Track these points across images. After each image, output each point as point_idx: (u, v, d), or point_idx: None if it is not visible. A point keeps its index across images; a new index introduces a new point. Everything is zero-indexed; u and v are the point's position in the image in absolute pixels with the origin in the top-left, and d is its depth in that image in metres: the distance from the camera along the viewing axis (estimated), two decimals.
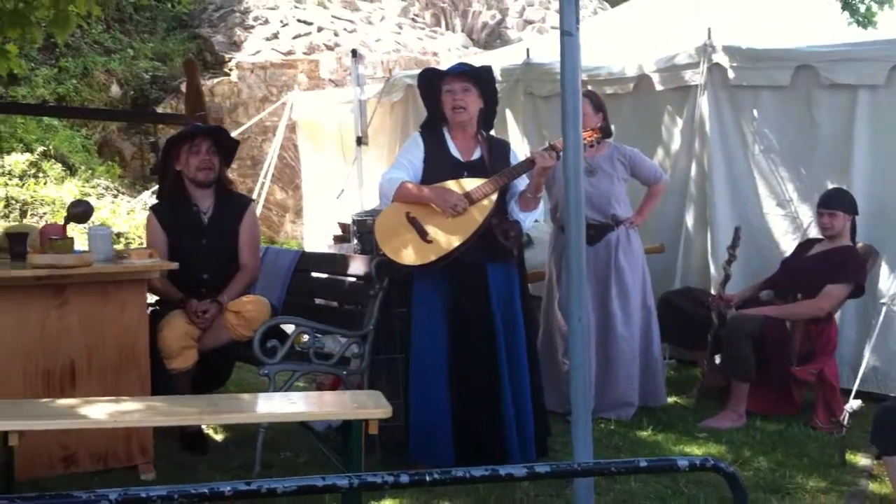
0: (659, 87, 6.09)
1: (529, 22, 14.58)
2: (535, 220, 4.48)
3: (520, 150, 6.60)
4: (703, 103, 5.75)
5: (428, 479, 2.43)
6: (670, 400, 5.20)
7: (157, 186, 10.07)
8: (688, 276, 5.85)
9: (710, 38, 5.71)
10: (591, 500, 3.15)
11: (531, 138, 6.79)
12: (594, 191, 4.90)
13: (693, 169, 5.87)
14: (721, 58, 5.68)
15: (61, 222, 4.20)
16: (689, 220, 5.91)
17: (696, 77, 5.80)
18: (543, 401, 4.38)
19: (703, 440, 4.62)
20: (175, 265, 4.24)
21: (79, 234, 4.76)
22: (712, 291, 5.29)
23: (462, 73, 4.24)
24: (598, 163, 4.98)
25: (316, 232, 9.31)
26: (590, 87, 6.26)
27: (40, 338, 3.85)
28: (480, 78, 4.28)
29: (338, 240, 7.41)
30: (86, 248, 4.12)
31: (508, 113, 6.92)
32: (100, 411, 3.15)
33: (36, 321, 3.84)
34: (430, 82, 4.28)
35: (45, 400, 3.62)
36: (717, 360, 5.16)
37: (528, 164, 4.17)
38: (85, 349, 3.93)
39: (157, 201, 4.91)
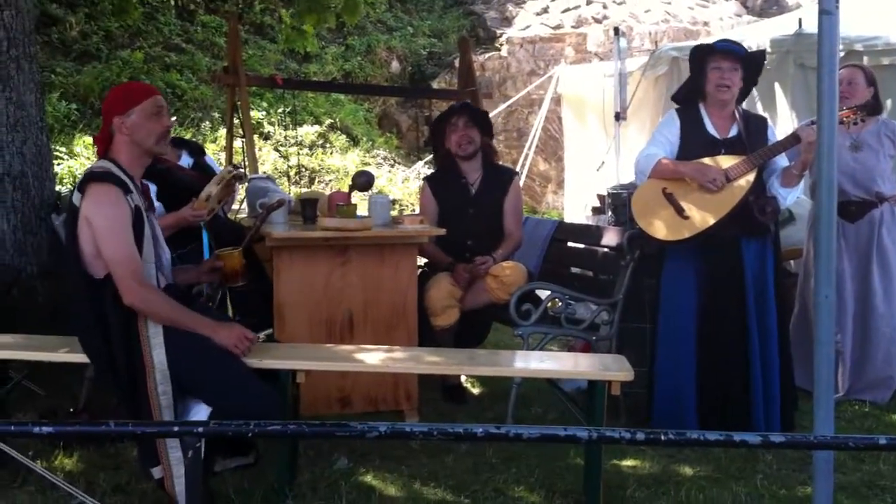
0: None
1: None
2: (797, 196, 4.45)
3: (788, 122, 6.47)
4: None
5: (663, 437, 2.61)
6: None
7: (429, 157, 10.76)
8: None
9: None
10: (829, 476, 3.17)
11: (800, 111, 6.60)
12: (859, 167, 4.77)
13: None
14: None
15: (346, 190, 4.71)
16: None
17: None
18: (793, 376, 4.37)
19: None
20: (443, 231, 4.64)
21: (360, 201, 5.28)
22: None
23: (733, 52, 4.27)
24: (864, 138, 4.83)
25: (576, 203, 9.52)
26: (865, 59, 6.03)
27: (325, 291, 4.36)
28: (751, 61, 4.31)
29: (596, 211, 7.58)
30: (366, 213, 4.61)
31: (777, 85, 6.76)
32: (374, 357, 3.58)
33: (322, 277, 4.36)
34: (703, 55, 4.33)
35: (327, 345, 4.14)
36: None
37: (793, 141, 4.14)
38: (362, 304, 4.41)
39: (431, 172, 5.35)
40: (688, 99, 4.42)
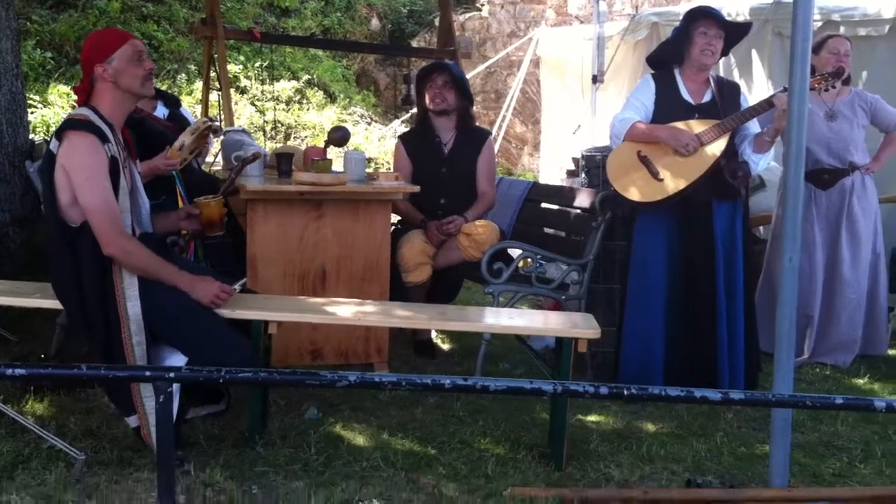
0: None
1: None
2: (769, 163, 4.51)
3: (764, 90, 6.52)
4: None
5: (626, 392, 2.68)
6: (892, 352, 5.10)
7: (406, 115, 10.74)
8: None
9: None
10: (787, 435, 3.25)
11: (777, 79, 6.64)
12: (833, 136, 4.86)
13: None
14: None
15: (321, 145, 4.72)
16: None
17: None
18: (757, 339, 4.46)
19: None
20: (417, 188, 4.67)
21: (335, 157, 5.29)
22: None
23: (720, 20, 4.31)
24: (838, 108, 4.91)
25: (551, 165, 9.55)
26: (842, 29, 6.08)
27: (299, 245, 4.39)
28: (736, 32, 4.37)
29: (571, 174, 7.61)
30: (342, 169, 4.62)
31: (755, 53, 6.80)
32: (346, 310, 3.62)
33: (296, 231, 4.38)
34: (690, 20, 4.34)
35: (300, 297, 4.17)
36: None
37: (766, 106, 4.20)
38: (336, 258, 4.44)
39: (405, 131, 5.36)
40: (662, 62, 4.46)
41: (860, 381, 4.70)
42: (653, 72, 4.48)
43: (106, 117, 3.29)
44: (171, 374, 2.49)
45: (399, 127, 10.73)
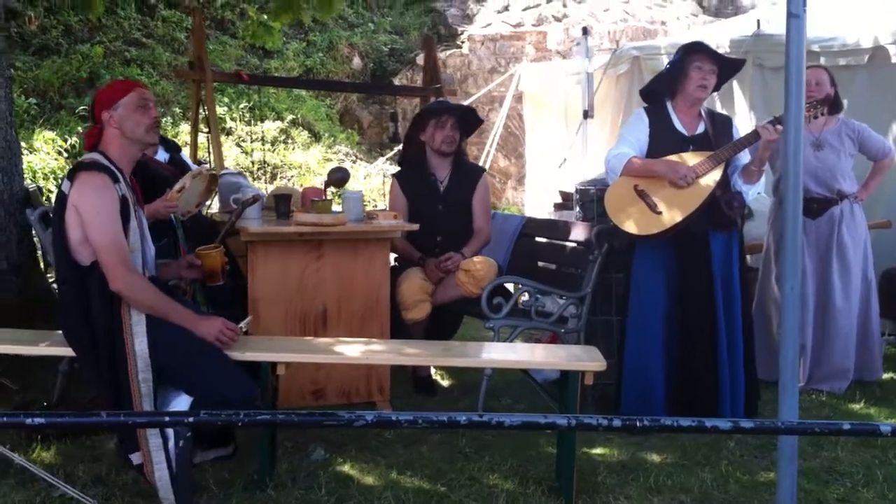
0: None
1: None
2: (757, 193, 4.59)
3: (746, 121, 6.63)
4: None
5: (638, 424, 2.71)
6: (886, 377, 5.17)
7: (391, 153, 10.80)
8: None
9: None
10: (794, 461, 3.29)
11: (758, 110, 6.77)
12: (820, 165, 4.95)
13: None
14: None
15: (309, 184, 4.75)
16: None
17: None
18: (755, 367, 4.51)
19: None
20: (416, 226, 4.71)
21: (332, 197, 5.31)
22: None
23: (715, 55, 4.42)
24: (825, 137, 5.01)
25: (537, 199, 9.64)
26: (822, 59, 6.21)
27: (299, 286, 4.41)
28: (728, 67, 4.46)
29: (558, 207, 7.69)
30: (339, 209, 4.65)
31: (736, 84, 6.92)
32: (354, 350, 3.64)
33: (296, 271, 4.40)
34: (688, 52, 4.40)
35: (306, 338, 4.19)
36: None
37: (753, 138, 4.29)
38: (336, 298, 4.46)
39: (399, 169, 5.40)
40: (654, 96, 4.54)
41: (857, 407, 4.76)
42: (645, 105, 4.57)
43: (115, 161, 3.35)
44: (190, 419, 2.49)
45: (384, 164, 10.79)
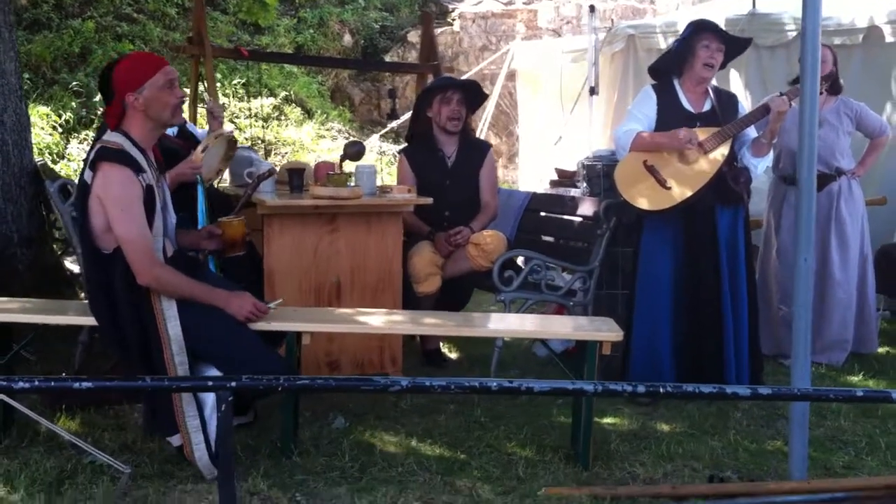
0: (890, 39, 6.05)
1: None
2: (766, 166, 4.68)
3: (742, 100, 6.68)
4: None
5: (662, 391, 2.82)
6: (881, 350, 5.32)
7: (384, 130, 10.83)
8: None
9: None
10: (805, 427, 3.41)
11: (754, 89, 6.85)
12: (820, 143, 4.99)
13: None
14: None
15: (306, 161, 4.80)
16: None
17: None
18: (759, 340, 4.62)
19: None
20: (429, 200, 4.77)
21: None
22: None
23: (723, 35, 4.50)
24: (824, 115, 5.10)
25: (530, 177, 9.70)
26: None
27: (314, 258, 4.46)
28: (734, 46, 4.54)
29: (555, 184, 7.76)
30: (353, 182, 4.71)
31: (731, 63, 6.99)
32: (377, 320, 3.72)
33: (311, 244, 4.45)
34: (695, 31, 4.48)
35: (327, 309, 4.26)
36: None
37: (763, 112, 4.38)
38: (350, 270, 4.52)
39: (406, 145, 5.46)
40: (661, 73, 4.61)
41: (855, 379, 4.90)
42: (652, 83, 4.64)
43: (138, 142, 3.35)
44: (233, 384, 2.57)
45: (377, 141, 10.82)
